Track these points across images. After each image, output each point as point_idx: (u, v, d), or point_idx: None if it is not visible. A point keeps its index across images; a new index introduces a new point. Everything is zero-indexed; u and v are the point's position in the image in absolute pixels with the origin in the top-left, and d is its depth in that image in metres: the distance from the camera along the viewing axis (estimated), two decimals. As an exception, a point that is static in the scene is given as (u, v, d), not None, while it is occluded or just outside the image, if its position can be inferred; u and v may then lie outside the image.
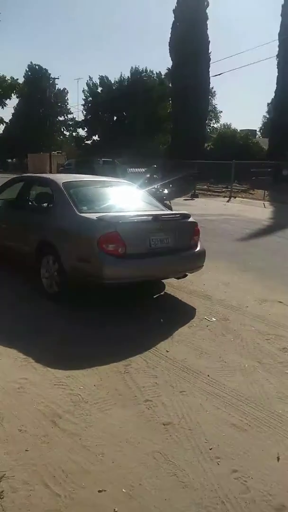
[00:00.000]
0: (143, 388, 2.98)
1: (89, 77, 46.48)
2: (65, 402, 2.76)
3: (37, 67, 50.49)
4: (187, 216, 4.90)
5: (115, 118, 44.54)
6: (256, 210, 15.63)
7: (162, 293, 5.11)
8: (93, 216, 4.40)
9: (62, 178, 5.68)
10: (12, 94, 17.08)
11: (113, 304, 4.58)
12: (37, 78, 49.28)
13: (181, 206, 14.49)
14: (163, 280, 5.26)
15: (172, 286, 5.27)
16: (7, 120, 25.69)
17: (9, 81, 16.68)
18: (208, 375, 3.19)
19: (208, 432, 2.53)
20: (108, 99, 42.84)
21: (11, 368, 3.19)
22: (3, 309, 4.46)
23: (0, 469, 2.10)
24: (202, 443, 2.43)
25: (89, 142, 48.42)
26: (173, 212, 5.09)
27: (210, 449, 2.38)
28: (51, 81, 49.39)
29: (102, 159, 27.90)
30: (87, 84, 45.95)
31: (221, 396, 2.92)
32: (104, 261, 4.14)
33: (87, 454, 2.28)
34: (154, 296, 5.03)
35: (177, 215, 4.91)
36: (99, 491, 2.00)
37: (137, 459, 2.25)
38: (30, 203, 5.82)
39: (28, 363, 3.26)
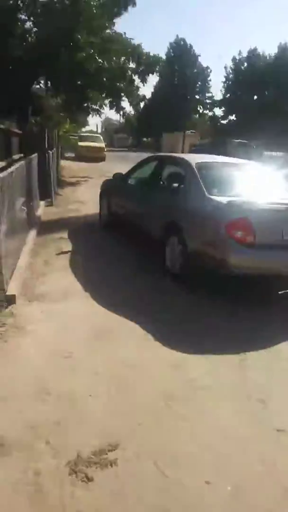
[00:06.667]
0: (258, 386, 2.89)
1: (239, 51, 44.92)
2: (179, 385, 2.82)
3: (182, 42, 50.34)
4: None
5: (255, 97, 42.62)
6: None
7: (289, 290, 4.83)
8: (224, 200, 4.30)
9: (195, 158, 5.66)
10: (155, 71, 17.37)
11: (235, 294, 4.49)
12: (180, 55, 49.33)
13: None
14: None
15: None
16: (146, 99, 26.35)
17: (152, 58, 16.98)
18: None
19: None
20: (249, 78, 41.14)
21: (131, 342, 3.37)
22: (129, 284, 4.69)
23: (115, 438, 2.26)
24: None
25: (224, 122, 47.39)
26: None
27: None
28: (193, 59, 49.08)
29: (237, 140, 27.04)
30: (233, 59, 44.59)
31: None
32: (231, 248, 4.05)
33: (195, 442, 2.31)
34: (280, 292, 4.79)
35: None
36: (206, 482, 2.02)
37: (245, 461, 2.21)
38: (162, 182, 5.92)
39: (148, 340, 3.42)
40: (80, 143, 24.22)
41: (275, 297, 4.70)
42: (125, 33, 15.51)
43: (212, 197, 4.47)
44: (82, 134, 28.91)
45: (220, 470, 2.12)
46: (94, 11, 12.76)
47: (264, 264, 4.19)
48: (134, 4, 14.82)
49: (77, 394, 2.63)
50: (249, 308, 4.22)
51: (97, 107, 18.04)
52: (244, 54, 44.33)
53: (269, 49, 45.92)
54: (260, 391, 2.83)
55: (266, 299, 4.53)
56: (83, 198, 10.56)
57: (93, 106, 17.71)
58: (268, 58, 42.86)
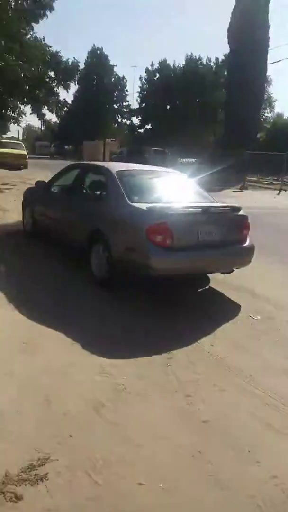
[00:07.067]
0: (184, 383, 2.97)
1: (152, 62, 45.93)
2: (108, 390, 2.80)
3: (98, 51, 50.25)
4: (237, 209, 4.76)
5: (168, 107, 44.04)
6: (309, 205, 14.96)
7: (206, 287, 5.04)
8: (143, 206, 4.39)
9: (116, 166, 5.70)
10: (75, 79, 17.00)
11: (158, 295, 4.58)
12: (97, 64, 49.24)
13: (230, 198, 14.15)
14: (208, 274, 5.18)
15: (217, 280, 5.17)
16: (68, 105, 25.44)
17: (70, 63, 16.57)
18: (251, 375, 3.12)
19: (248, 434, 2.49)
20: (162, 88, 42.40)
21: (58, 351, 3.28)
22: (54, 293, 4.58)
23: (45, 451, 2.18)
24: (241, 444, 2.39)
25: (141, 130, 48.34)
26: (224, 204, 4.96)
27: (249, 452, 2.33)
28: (110, 69, 49.35)
29: (153, 148, 27.73)
30: (146, 70, 45.60)
31: (262, 397, 2.85)
32: (151, 251, 4.13)
33: (127, 444, 2.31)
34: (199, 290, 4.97)
35: (227, 208, 4.77)
36: (139, 484, 2.02)
37: (176, 455, 2.26)
38: (84, 190, 5.90)
39: (74, 348, 3.35)
40: (0, 150, 23.17)
41: (195, 295, 4.87)
42: (44, 37, 15.03)
43: (133, 204, 4.54)
44: (2, 140, 27.66)
45: (153, 469, 2.14)
46: (10, 14, 12.19)
47: (183, 265, 4.33)
48: (52, 9, 14.40)
49: (0, 410, 2.49)
50: (172, 307, 4.33)
51: (15, 115, 17.36)
52: (156, 65, 45.61)
53: (178, 60, 47.53)
54: (186, 387, 2.91)
55: (187, 298, 4.69)
56: (6, 206, 10.10)
57: (11, 114, 16.99)
58: (177, 69, 44.47)
